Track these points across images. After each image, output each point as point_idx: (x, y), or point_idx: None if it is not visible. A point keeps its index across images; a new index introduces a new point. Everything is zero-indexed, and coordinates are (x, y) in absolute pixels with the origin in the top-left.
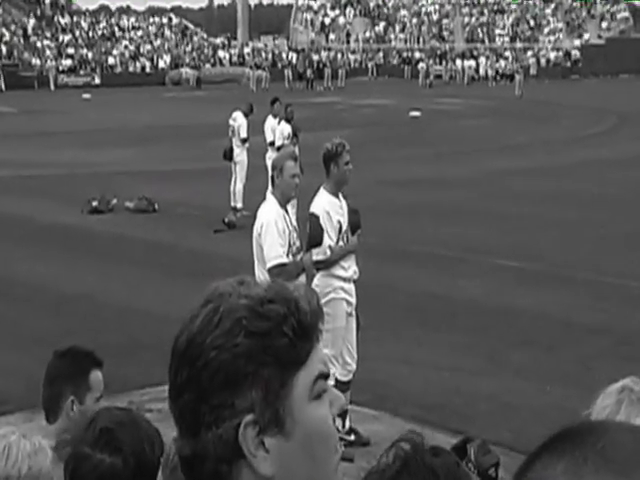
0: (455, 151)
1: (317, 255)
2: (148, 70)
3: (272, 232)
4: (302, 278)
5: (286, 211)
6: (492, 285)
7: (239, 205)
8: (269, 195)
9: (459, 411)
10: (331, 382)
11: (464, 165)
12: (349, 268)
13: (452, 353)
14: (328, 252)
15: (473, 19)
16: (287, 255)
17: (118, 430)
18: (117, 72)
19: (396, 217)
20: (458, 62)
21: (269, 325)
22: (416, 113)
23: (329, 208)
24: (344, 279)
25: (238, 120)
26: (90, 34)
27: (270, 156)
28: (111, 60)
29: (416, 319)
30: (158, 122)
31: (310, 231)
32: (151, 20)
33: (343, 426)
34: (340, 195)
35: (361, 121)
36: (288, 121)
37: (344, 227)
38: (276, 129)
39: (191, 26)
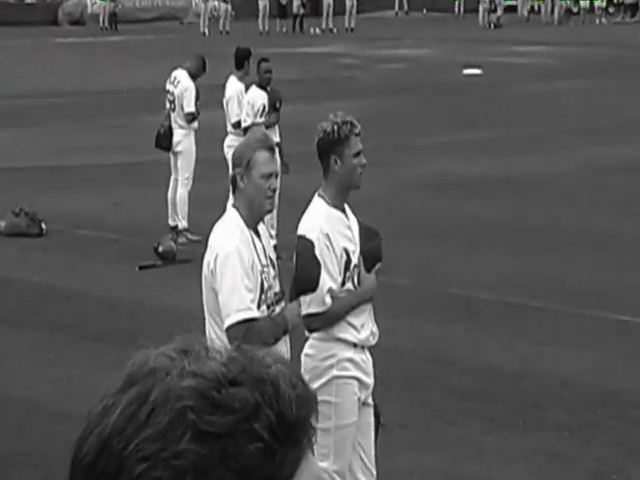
0: (535, 134)
1: (309, 306)
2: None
3: (234, 268)
4: (283, 345)
5: (257, 234)
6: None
7: (182, 224)
8: (229, 209)
9: None
10: None
11: (551, 156)
12: (363, 328)
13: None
14: (328, 301)
15: None
16: (258, 306)
17: None
18: None
19: (439, 242)
20: None
21: (231, 421)
22: (473, 71)
23: (329, 228)
24: (354, 345)
25: (181, 84)
26: None
27: (232, 144)
28: None
29: (470, 409)
30: (45, 87)
31: (299, 266)
32: None
33: None
34: (347, 207)
35: (382, 85)
36: (262, 87)
37: (354, 259)
38: (243, 100)
39: None
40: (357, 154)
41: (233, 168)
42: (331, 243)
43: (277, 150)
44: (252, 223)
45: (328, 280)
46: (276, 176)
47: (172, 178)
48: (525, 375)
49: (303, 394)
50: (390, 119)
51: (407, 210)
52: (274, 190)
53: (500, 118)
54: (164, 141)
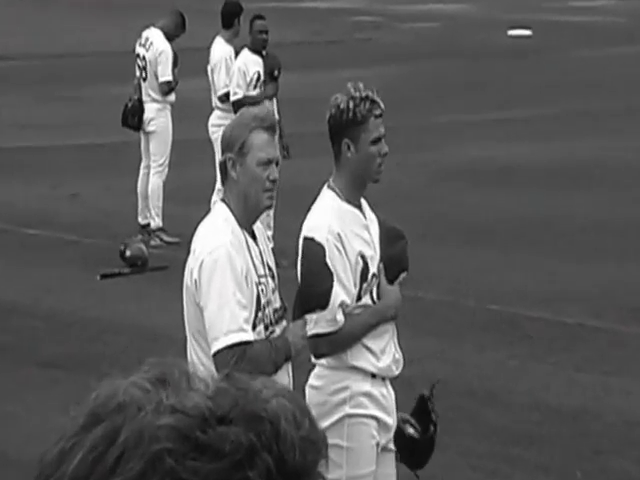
0: (597, 111)
1: (317, 325)
2: None
3: (223, 279)
4: (285, 375)
5: (253, 236)
6: None
7: (155, 222)
8: (218, 204)
9: None
10: None
11: (618, 139)
12: (383, 354)
13: None
14: (339, 319)
15: None
16: (254, 326)
17: None
18: None
19: (475, 246)
20: None
21: (220, 468)
22: (520, 32)
23: (342, 228)
24: (373, 376)
25: (154, 47)
26: None
27: (219, 122)
28: None
29: (516, 455)
30: None
31: (304, 276)
32: None
33: None
34: (364, 202)
35: (407, 50)
36: (256, 51)
37: (372, 267)
38: (233, 67)
39: None
40: (376, 140)
41: (222, 153)
42: (344, 246)
43: (278, 131)
44: (246, 222)
45: (340, 293)
46: (277, 163)
47: (143, 165)
48: (585, 413)
49: (310, 435)
50: (416, 92)
51: (435, 206)
52: (274, 181)
53: (553, 91)
54: (133, 118)
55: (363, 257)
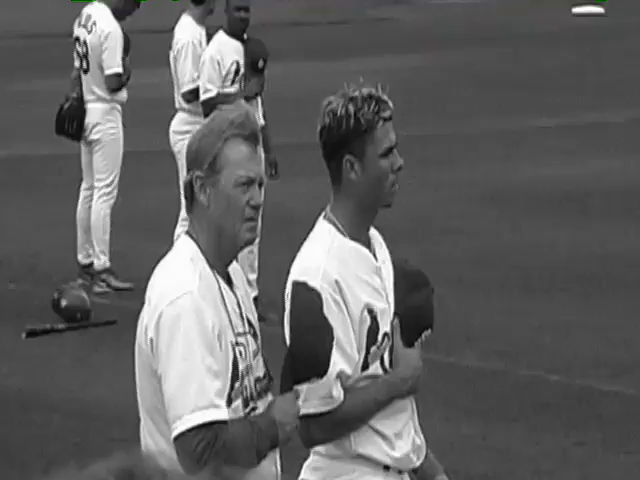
0: None
1: (307, 403)
2: None
3: (189, 339)
4: (271, 465)
5: (228, 281)
6: None
7: (100, 261)
8: (182, 238)
9: None
10: None
11: None
12: (400, 439)
13: None
14: (336, 396)
15: None
16: (229, 401)
17: None
18: None
19: (526, 295)
20: None
21: None
22: (589, 9)
23: (342, 273)
24: (385, 469)
25: (99, 29)
26: None
27: (185, 129)
28: None
29: None
30: None
31: (295, 334)
32: None
33: None
34: (374, 236)
35: (438, 31)
36: (235, 35)
37: (384, 325)
38: (204, 55)
39: None
40: (387, 152)
41: (188, 170)
42: (344, 298)
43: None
44: (220, 262)
45: (338, 360)
46: (260, 184)
47: (84, 186)
48: None
49: None
50: (446, 88)
51: (475, 241)
52: (256, 207)
53: (632, 87)
54: (70, 123)
55: (371, 311)
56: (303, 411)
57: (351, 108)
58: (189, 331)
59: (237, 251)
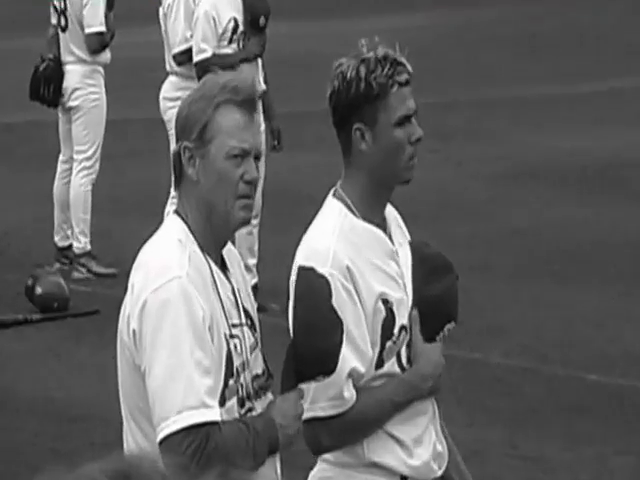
0: None
1: (314, 405)
2: None
3: (176, 330)
4: (271, 471)
5: (222, 266)
6: None
7: (80, 243)
8: (170, 217)
9: None
10: None
11: None
12: (419, 446)
13: None
14: (348, 397)
15: None
16: (222, 400)
17: None
18: None
19: (573, 285)
20: None
21: None
22: None
23: (354, 259)
24: (404, 478)
25: None
26: None
27: (176, 95)
28: None
29: None
30: None
31: (300, 325)
32: None
33: None
34: (391, 215)
35: None
36: None
37: (401, 317)
38: (197, 10)
39: None
40: (403, 121)
41: (177, 140)
42: (356, 287)
43: (261, 106)
44: (212, 245)
45: (349, 357)
46: (257, 157)
47: (61, 158)
48: None
49: None
50: (473, 52)
51: (501, 222)
52: (251, 182)
53: None
54: (47, 88)
55: (387, 302)
56: (310, 414)
57: (362, 70)
58: (177, 321)
59: (231, 232)
